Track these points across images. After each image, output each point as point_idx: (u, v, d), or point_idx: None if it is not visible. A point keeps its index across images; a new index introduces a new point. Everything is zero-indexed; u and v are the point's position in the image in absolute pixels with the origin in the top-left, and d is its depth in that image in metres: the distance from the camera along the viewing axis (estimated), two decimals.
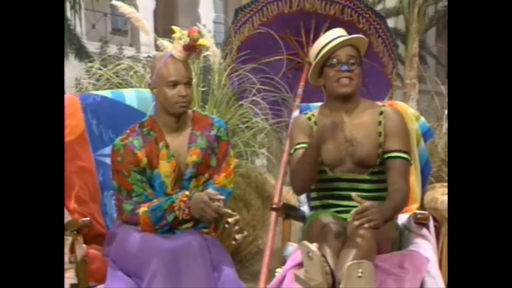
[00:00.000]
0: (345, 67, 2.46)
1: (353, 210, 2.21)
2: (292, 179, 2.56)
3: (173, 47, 2.39)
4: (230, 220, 2.25)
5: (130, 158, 2.37)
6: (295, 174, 2.54)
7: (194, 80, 3.81)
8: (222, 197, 2.27)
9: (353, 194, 2.28)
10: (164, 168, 2.39)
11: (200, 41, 2.37)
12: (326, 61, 2.51)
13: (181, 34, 2.36)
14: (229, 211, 2.27)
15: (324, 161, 2.51)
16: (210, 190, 2.33)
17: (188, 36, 2.35)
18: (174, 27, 2.40)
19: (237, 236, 2.27)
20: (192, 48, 2.36)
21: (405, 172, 2.48)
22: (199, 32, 2.42)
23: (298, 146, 2.52)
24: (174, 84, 2.35)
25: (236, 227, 2.26)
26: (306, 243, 2.15)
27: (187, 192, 2.31)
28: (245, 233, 2.30)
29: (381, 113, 2.53)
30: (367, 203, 2.22)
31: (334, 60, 2.48)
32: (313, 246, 2.11)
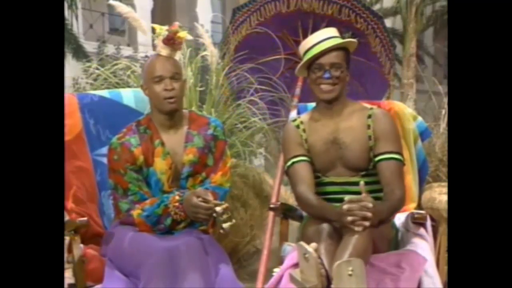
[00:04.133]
0: (327, 75, 2.43)
1: (348, 197, 2.19)
2: (299, 205, 2.53)
3: (157, 45, 2.43)
4: (217, 209, 2.22)
5: (127, 156, 2.37)
6: (302, 207, 2.51)
7: (192, 80, 3.81)
8: (211, 197, 2.27)
9: (361, 183, 2.24)
10: (160, 165, 2.40)
11: (179, 34, 2.41)
12: (310, 64, 2.49)
13: (160, 29, 2.42)
14: (218, 202, 2.26)
15: (315, 166, 2.50)
16: (198, 190, 2.35)
17: (167, 30, 2.40)
18: (154, 25, 2.45)
19: (224, 225, 2.22)
20: (171, 40, 2.40)
21: (399, 172, 2.46)
22: (180, 26, 2.46)
23: (295, 160, 2.48)
24: (160, 79, 2.38)
25: (224, 216, 2.22)
26: (303, 244, 2.14)
27: (177, 197, 2.32)
28: (233, 221, 2.25)
29: (369, 116, 2.49)
30: (364, 195, 2.20)
31: (317, 66, 2.46)
32: (310, 248, 2.10)
